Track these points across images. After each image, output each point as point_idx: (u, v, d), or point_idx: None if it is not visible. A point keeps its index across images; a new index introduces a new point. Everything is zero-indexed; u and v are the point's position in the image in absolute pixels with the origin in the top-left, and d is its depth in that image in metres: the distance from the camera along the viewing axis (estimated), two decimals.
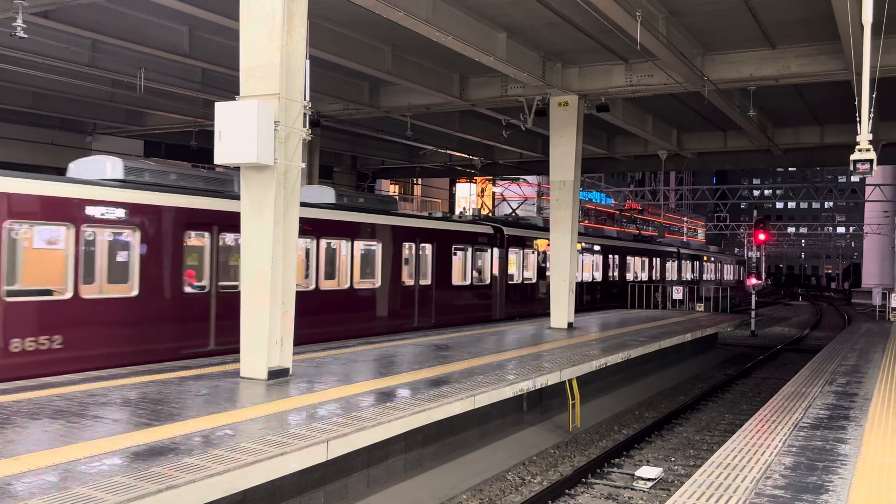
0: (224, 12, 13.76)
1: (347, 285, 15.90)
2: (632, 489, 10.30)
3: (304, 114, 10.27)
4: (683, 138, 28.33)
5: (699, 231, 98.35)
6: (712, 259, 48.29)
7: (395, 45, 17.50)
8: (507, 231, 22.68)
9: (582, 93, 18.87)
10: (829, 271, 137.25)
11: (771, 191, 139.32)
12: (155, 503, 5.53)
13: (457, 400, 9.30)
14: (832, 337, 25.38)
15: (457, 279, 20.18)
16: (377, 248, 16.78)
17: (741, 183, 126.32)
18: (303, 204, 13.59)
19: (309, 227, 14.53)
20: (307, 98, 10.34)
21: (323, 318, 15.12)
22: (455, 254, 20.16)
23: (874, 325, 24.49)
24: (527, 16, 15.20)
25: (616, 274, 31.60)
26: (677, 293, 32.69)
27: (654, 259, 36.52)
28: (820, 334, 34.65)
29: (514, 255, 23.21)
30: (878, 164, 10.74)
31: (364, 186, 36.53)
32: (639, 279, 34.35)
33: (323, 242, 15.22)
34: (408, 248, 18.01)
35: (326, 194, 16.52)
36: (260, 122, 9.55)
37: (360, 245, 16.27)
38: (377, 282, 16.80)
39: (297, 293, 10.72)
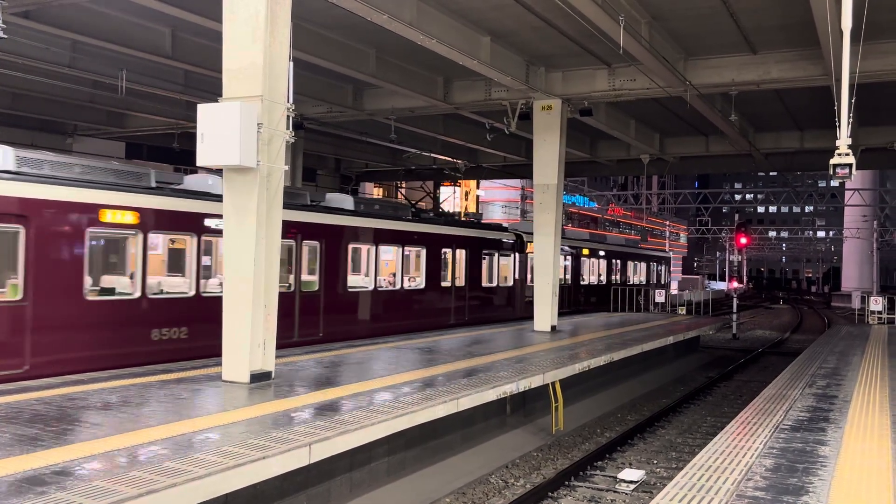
0: (207, 14, 13.69)
1: None
2: (614, 492, 10.33)
3: (288, 116, 10.24)
4: (666, 143, 28.50)
5: (681, 234, 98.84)
6: (601, 254, 32.67)
7: (379, 47, 17.48)
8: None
9: (565, 97, 18.94)
10: (810, 275, 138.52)
11: (752, 195, 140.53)
12: None
13: (440, 403, 9.30)
14: (812, 340, 25.59)
15: None
16: None
17: (723, 187, 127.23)
18: None
19: None
20: (290, 100, 10.31)
21: None
22: None
23: (853, 329, 24.71)
24: (511, 20, 15.24)
25: (400, 276, 19.00)
26: (660, 297, 32.82)
27: (479, 255, 22.52)
28: (800, 337, 34.93)
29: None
30: (858, 168, 10.84)
31: (348, 189, 36.46)
32: (445, 284, 21.00)
33: None
34: None
35: None
36: (243, 124, 9.51)
37: None
38: None
39: None
